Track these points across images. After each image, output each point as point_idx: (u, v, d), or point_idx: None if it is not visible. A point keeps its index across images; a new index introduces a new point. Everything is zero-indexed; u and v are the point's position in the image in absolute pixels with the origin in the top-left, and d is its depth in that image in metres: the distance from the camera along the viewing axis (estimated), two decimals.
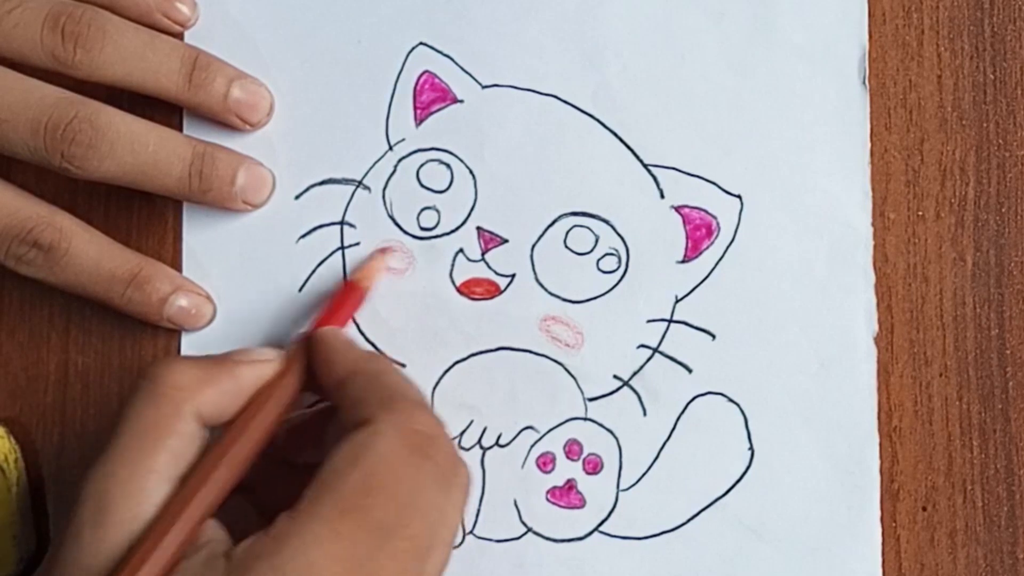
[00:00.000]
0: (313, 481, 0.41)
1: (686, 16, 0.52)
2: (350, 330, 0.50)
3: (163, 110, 0.51)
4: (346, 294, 0.49)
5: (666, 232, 0.51)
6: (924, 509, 0.51)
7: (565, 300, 0.51)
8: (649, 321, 0.51)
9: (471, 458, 0.50)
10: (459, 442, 0.50)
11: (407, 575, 0.41)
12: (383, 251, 0.51)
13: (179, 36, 0.51)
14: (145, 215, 0.52)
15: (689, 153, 0.51)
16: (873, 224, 0.51)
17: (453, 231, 0.51)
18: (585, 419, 0.51)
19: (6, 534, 0.50)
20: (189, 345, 0.51)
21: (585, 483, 0.50)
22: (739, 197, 0.51)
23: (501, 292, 0.51)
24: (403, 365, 0.51)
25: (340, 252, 0.51)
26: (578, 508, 0.50)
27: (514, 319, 0.51)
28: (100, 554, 0.41)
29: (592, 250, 0.51)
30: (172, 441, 0.43)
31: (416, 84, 0.52)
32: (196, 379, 0.44)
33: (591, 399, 0.51)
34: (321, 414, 0.48)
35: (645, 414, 0.51)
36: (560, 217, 0.51)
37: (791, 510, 0.50)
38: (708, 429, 0.51)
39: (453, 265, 0.51)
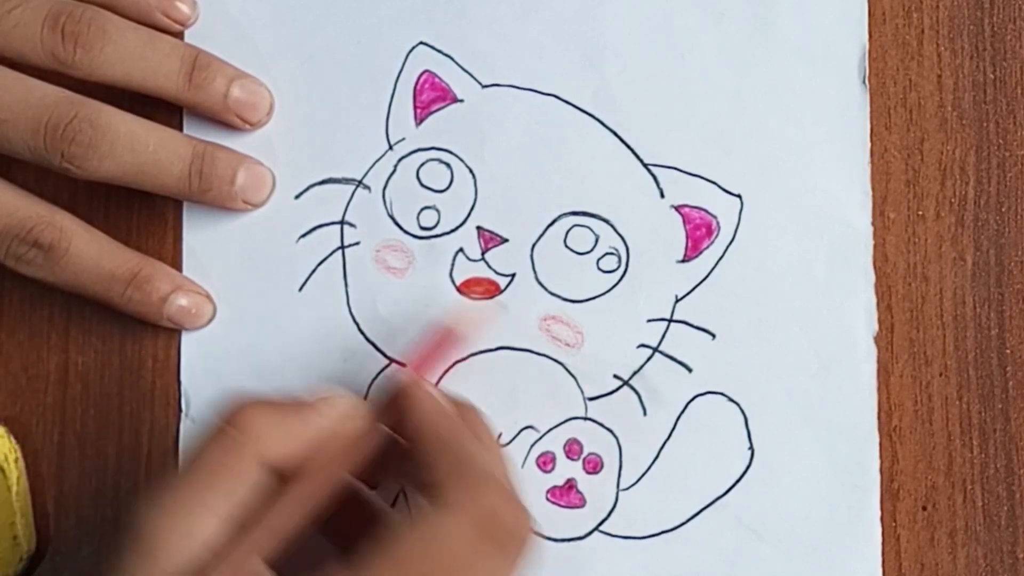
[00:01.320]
0: (372, 540, 0.41)
1: (686, 16, 0.52)
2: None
3: (163, 110, 0.51)
4: (440, 339, 0.48)
5: (666, 232, 0.51)
6: (924, 509, 0.51)
7: (565, 300, 0.51)
8: (649, 321, 0.51)
9: None
10: None
11: None
12: (493, 303, 0.51)
13: (179, 35, 0.51)
14: (145, 215, 0.52)
15: (689, 153, 0.51)
16: (873, 224, 0.51)
17: (453, 231, 0.51)
18: (585, 419, 0.51)
19: (6, 534, 0.50)
20: (189, 344, 0.51)
21: (585, 483, 0.50)
22: (739, 197, 0.51)
23: (501, 292, 0.51)
24: (403, 365, 0.51)
25: (340, 252, 0.51)
26: (578, 508, 0.50)
27: (514, 319, 0.51)
28: None
29: (592, 250, 0.51)
30: (229, 482, 0.42)
31: (416, 84, 0.52)
32: (267, 424, 0.43)
33: (591, 399, 0.51)
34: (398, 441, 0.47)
35: (645, 414, 0.51)
36: (560, 217, 0.51)
37: (791, 510, 0.50)
38: (708, 429, 0.51)
39: (453, 265, 0.51)
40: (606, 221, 0.51)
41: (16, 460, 0.50)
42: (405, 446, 0.44)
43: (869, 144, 0.52)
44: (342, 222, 0.51)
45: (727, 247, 0.51)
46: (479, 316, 0.50)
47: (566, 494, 0.50)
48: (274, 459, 0.43)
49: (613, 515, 0.50)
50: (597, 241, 0.51)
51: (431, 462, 0.43)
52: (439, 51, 0.52)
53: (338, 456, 0.44)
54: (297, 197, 0.52)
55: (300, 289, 0.51)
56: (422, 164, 0.51)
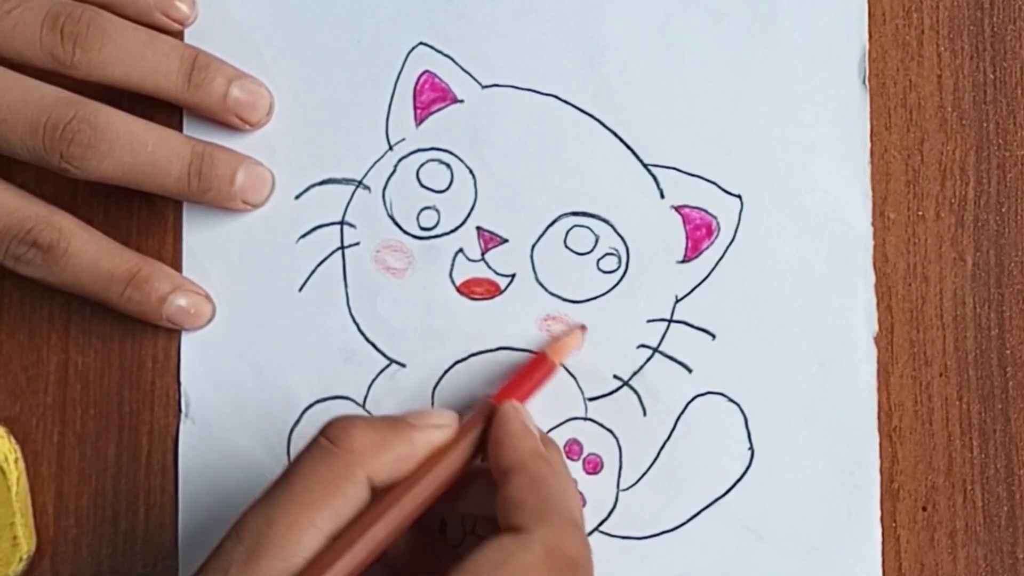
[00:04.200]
0: (452, 572, 0.41)
1: (686, 16, 0.52)
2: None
3: (163, 110, 0.51)
4: (535, 366, 0.49)
5: (666, 232, 0.51)
6: (924, 509, 0.51)
7: (565, 300, 0.51)
8: (649, 321, 0.51)
9: None
10: None
11: None
12: (583, 328, 0.50)
13: (179, 35, 0.51)
14: (145, 215, 0.52)
15: (689, 153, 0.51)
16: (873, 224, 0.51)
17: (453, 231, 0.51)
18: (585, 419, 0.51)
19: (6, 534, 0.50)
20: (189, 344, 0.51)
21: (585, 483, 0.50)
22: (739, 197, 0.51)
23: (501, 292, 0.51)
24: (403, 365, 0.51)
25: (340, 252, 0.51)
26: None
27: (514, 319, 0.51)
28: None
29: (592, 250, 0.51)
30: (338, 501, 0.43)
31: (416, 84, 0.52)
32: (372, 444, 0.44)
33: (591, 399, 0.51)
34: (480, 469, 0.47)
35: (645, 414, 0.51)
36: (560, 217, 0.51)
37: (791, 510, 0.50)
38: (708, 429, 0.51)
39: (453, 265, 0.51)
40: (606, 221, 0.51)
41: (16, 460, 0.50)
42: (489, 474, 0.45)
43: (869, 144, 0.51)
44: (342, 222, 0.51)
45: (727, 247, 0.51)
46: (573, 344, 0.50)
47: None
48: (379, 480, 0.44)
49: (613, 515, 0.50)
50: (597, 241, 0.51)
51: (521, 501, 0.43)
52: (439, 51, 0.52)
53: (434, 475, 0.44)
54: (297, 197, 0.52)
55: (300, 289, 0.51)
56: (422, 164, 0.51)
